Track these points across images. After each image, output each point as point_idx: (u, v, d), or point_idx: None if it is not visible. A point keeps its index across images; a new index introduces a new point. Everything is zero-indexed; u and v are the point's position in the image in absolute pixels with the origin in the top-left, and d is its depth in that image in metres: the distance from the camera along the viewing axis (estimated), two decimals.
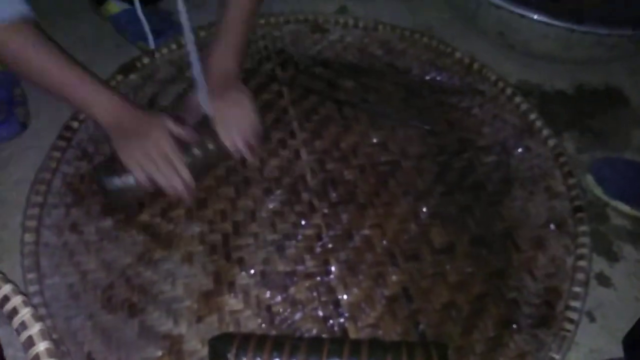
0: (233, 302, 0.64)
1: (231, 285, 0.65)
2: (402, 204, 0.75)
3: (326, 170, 0.78)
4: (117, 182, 0.66)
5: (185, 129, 0.69)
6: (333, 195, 0.75)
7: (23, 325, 0.46)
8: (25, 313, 0.46)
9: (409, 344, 0.58)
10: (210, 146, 0.71)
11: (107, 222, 0.69)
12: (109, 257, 0.66)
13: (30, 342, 0.45)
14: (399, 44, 0.96)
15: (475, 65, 0.92)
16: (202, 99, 0.72)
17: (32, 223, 0.65)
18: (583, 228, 0.71)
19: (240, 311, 0.63)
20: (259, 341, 0.56)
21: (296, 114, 0.85)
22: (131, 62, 0.87)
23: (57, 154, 0.72)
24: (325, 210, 0.73)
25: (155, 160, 0.66)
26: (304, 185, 0.76)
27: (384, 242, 0.71)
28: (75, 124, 0.75)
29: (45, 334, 0.45)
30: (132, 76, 0.86)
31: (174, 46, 0.90)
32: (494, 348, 0.62)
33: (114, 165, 0.67)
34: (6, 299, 0.47)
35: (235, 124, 0.72)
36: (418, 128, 0.84)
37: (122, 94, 0.71)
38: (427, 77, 0.92)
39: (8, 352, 0.54)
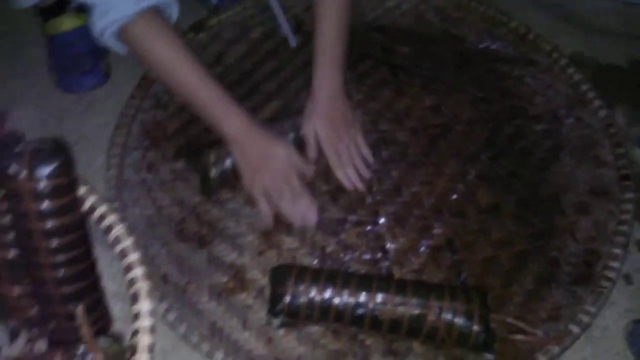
0: (290, 241, 0.70)
1: (289, 226, 0.72)
2: (451, 165, 0.78)
3: (379, 130, 0.82)
4: (214, 172, 0.71)
5: (306, 163, 0.73)
6: (385, 153, 0.80)
7: (117, 240, 0.53)
8: (119, 229, 0.54)
9: (452, 287, 0.63)
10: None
11: (180, 165, 0.77)
12: (181, 195, 0.74)
13: (123, 253, 0.53)
14: (455, 11, 0.98)
15: (530, 36, 0.93)
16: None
17: (115, 161, 0.73)
18: (629, 195, 0.73)
19: (296, 249, 0.70)
20: (315, 273, 0.62)
21: (351, 77, 0.89)
22: (200, 21, 0.93)
23: (135, 102, 0.79)
24: (377, 167, 0.78)
25: (282, 193, 0.68)
26: None
27: (432, 198, 0.75)
28: (143, 84, 0.82)
29: (136, 246, 0.53)
30: (201, 35, 0.92)
31: (237, 8, 0.95)
32: (531, 300, 0.66)
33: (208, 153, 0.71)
34: (102, 217, 0.55)
35: (348, 157, 0.75)
36: (470, 94, 0.87)
37: (249, 112, 0.70)
38: (482, 45, 0.94)
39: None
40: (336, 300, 0.60)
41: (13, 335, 0.61)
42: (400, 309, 0.59)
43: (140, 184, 0.74)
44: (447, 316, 0.59)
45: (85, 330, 0.43)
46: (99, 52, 0.85)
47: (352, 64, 0.91)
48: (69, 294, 0.54)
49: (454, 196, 0.75)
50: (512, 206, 0.75)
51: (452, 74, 0.90)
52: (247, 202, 0.74)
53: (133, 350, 0.47)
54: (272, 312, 0.61)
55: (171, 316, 0.61)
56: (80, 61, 0.83)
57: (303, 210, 0.70)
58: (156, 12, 0.67)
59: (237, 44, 0.93)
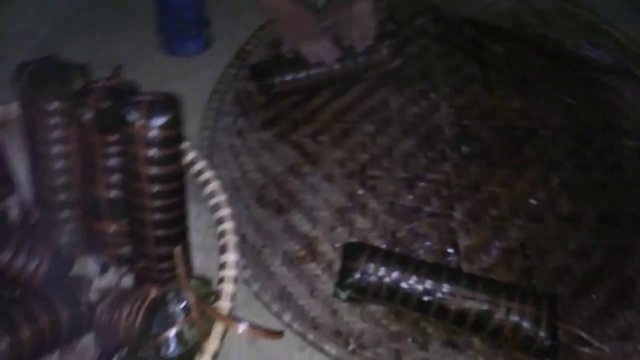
0: (362, 221, 0.72)
1: (363, 208, 0.74)
2: (534, 169, 0.77)
3: (463, 125, 0.82)
4: (276, 80, 0.81)
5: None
6: (466, 149, 0.80)
7: (212, 194, 0.57)
8: (215, 184, 0.58)
9: (523, 289, 0.62)
10: None
11: (267, 135, 0.80)
12: (266, 163, 0.78)
13: (216, 207, 0.57)
14: (555, 16, 0.95)
15: (633, 48, 0.89)
16: None
17: (209, 124, 0.78)
18: None
19: (368, 230, 0.72)
20: (386, 255, 0.63)
21: (441, 69, 0.89)
22: None
23: (232, 71, 0.84)
24: (457, 161, 0.78)
25: (305, 39, 0.81)
26: (439, 135, 0.81)
27: (510, 200, 0.74)
28: (249, 47, 0.86)
29: (228, 202, 0.57)
30: None
31: None
32: (602, 316, 0.65)
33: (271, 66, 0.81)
34: (200, 172, 0.59)
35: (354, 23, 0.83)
36: (561, 100, 0.85)
37: None
38: (580, 53, 0.91)
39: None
40: (405, 284, 0.61)
41: (103, 269, 0.67)
42: (468, 303, 0.60)
43: (229, 148, 0.78)
44: (515, 317, 0.59)
45: (181, 270, 0.47)
46: (203, 21, 0.90)
47: (443, 56, 0.91)
48: (161, 237, 0.58)
49: (533, 201, 0.74)
50: (593, 219, 0.73)
51: (545, 78, 0.88)
52: (326, 178, 0.76)
53: (217, 296, 0.50)
54: (341, 285, 0.63)
55: (247, 273, 0.65)
56: (187, 27, 0.88)
57: (320, 51, 0.82)
58: None
59: None
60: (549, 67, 0.90)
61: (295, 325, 0.61)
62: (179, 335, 0.45)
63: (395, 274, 0.62)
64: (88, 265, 0.67)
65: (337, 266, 0.68)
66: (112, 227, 0.61)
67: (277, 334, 0.46)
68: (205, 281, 0.50)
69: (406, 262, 0.63)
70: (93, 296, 0.62)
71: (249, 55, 0.85)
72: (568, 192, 0.75)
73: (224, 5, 0.98)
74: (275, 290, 0.65)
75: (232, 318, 0.46)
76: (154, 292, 0.46)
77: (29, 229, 0.63)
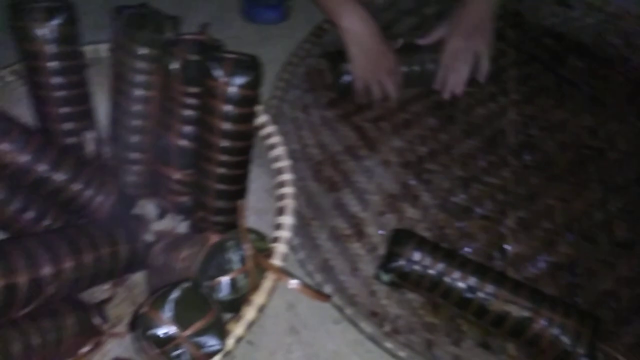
0: (412, 212, 0.73)
1: (415, 198, 0.74)
2: (594, 189, 0.76)
3: (528, 134, 0.81)
4: (346, 78, 0.80)
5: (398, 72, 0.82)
6: (528, 158, 0.79)
7: (277, 158, 0.60)
8: (281, 149, 0.60)
9: (567, 303, 0.62)
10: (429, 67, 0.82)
11: (330, 113, 0.82)
12: (325, 140, 0.79)
13: (280, 171, 0.59)
14: None
15: None
16: None
17: (278, 93, 0.80)
18: None
19: (416, 221, 0.72)
20: (434, 247, 0.64)
21: (514, 75, 0.88)
22: None
23: (307, 46, 0.85)
24: (516, 169, 0.77)
25: (381, 78, 0.79)
26: (502, 140, 0.80)
27: (565, 216, 0.73)
28: (325, 26, 0.87)
29: (291, 168, 0.59)
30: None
31: None
32: None
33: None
34: (269, 135, 0.61)
35: (464, 62, 0.80)
36: (634, 125, 0.82)
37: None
38: None
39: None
40: (448, 278, 0.62)
41: (162, 214, 0.71)
42: (510, 306, 0.60)
43: (292, 121, 0.80)
44: (555, 330, 0.59)
45: (242, 221, 0.49)
46: None
47: (517, 62, 0.90)
48: (222, 191, 0.61)
49: (589, 221, 0.73)
50: None
51: (621, 100, 0.85)
52: (382, 164, 0.77)
53: (270, 254, 0.52)
54: (384, 268, 0.64)
55: (294, 241, 0.67)
56: None
57: (388, 90, 0.81)
58: None
59: (410, 16, 0.95)
60: (626, 90, 0.87)
61: (335, 299, 0.62)
62: (232, 281, 0.47)
63: (440, 266, 0.62)
64: (148, 208, 0.71)
65: (381, 250, 0.69)
66: (177, 175, 0.65)
67: (326, 297, 0.48)
68: (262, 237, 0.52)
69: (452, 257, 0.63)
70: (149, 237, 0.65)
71: (324, 33, 0.86)
72: (626, 217, 0.73)
73: None
74: (319, 262, 0.67)
75: (286, 272, 0.48)
76: (214, 239, 0.49)
77: (101, 164, 0.67)
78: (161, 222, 0.70)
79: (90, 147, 0.64)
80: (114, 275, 0.60)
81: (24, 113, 0.62)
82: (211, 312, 0.41)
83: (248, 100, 0.57)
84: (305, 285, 0.47)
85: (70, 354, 0.57)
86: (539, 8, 0.97)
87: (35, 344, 0.51)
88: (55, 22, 0.58)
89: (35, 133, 0.58)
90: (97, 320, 0.60)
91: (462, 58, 0.80)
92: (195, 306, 0.41)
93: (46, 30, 0.57)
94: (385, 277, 0.64)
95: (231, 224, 0.60)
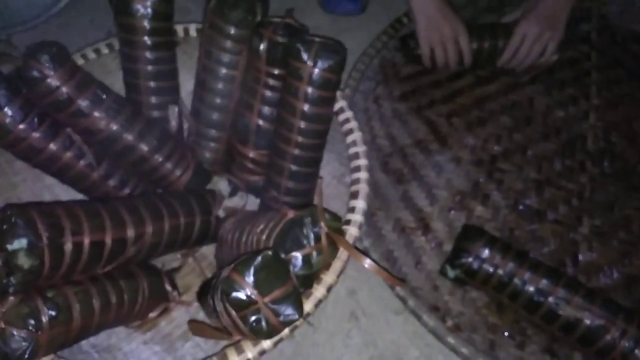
0: (482, 210, 0.71)
1: (485, 197, 0.73)
2: None
3: (609, 141, 0.78)
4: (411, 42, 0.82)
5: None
6: (607, 165, 0.75)
7: (354, 143, 0.60)
8: (357, 135, 0.60)
9: None
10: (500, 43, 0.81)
11: (402, 106, 0.81)
12: (395, 132, 0.79)
13: (356, 156, 0.59)
14: None
15: None
16: None
17: (352, 83, 0.80)
18: None
19: (486, 220, 0.71)
20: (505, 246, 0.62)
21: (597, 79, 0.84)
22: None
23: (384, 38, 0.85)
24: (595, 176, 0.74)
25: (444, 42, 0.79)
26: (581, 145, 0.77)
27: None
28: (405, 20, 0.87)
29: (366, 154, 0.59)
30: None
31: None
32: None
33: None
34: (347, 120, 0.62)
35: (531, 46, 0.79)
36: None
37: None
38: None
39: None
40: (517, 279, 0.60)
41: (233, 192, 0.73)
42: (582, 313, 0.57)
43: (364, 111, 0.80)
44: (629, 342, 0.56)
45: (319, 200, 0.50)
46: None
47: (601, 67, 0.86)
48: (295, 172, 0.62)
49: None
50: None
51: None
52: (453, 160, 0.76)
53: (342, 235, 0.53)
54: (451, 263, 0.63)
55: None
56: None
57: (450, 56, 0.81)
58: None
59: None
60: None
61: (398, 289, 0.62)
62: (305, 257, 0.48)
63: (510, 266, 0.60)
64: (220, 184, 0.73)
65: (446, 246, 0.69)
66: (253, 153, 0.66)
67: (401, 281, 0.47)
68: (337, 217, 0.52)
69: (523, 258, 0.61)
70: (220, 213, 0.67)
71: (402, 27, 0.86)
72: None
73: None
74: (383, 252, 0.67)
75: (361, 252, 0.48)
76: (291, 214, 0.50)
77: (182, 139, 0.70)
78: (231, 200, 0.72)
79: (173, 122, 0.67)
80: (186, 245, 0.62)
81: (115, 84, 0.66)
82: (290, 282, 0.42)
83: (331, 83, 0.58)
84: (381, 267, 0.47)
85: (141, 317, 0.60)
86: (627, 12, 0.93)
87: (113, 302, 0.54)
88: None
89: (126, 103, 0.61)
90: (167, 287, 0.62)
91: (530, 42, 0.79)
92: (275, 274, 0.42)
93: (145, 6, 0.61)
94: (451, 273, 0.63)
95: (300, 206, 0.61)
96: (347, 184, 0.66)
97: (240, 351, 0.46)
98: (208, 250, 0.69)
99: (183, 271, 0.67)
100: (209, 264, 0.68)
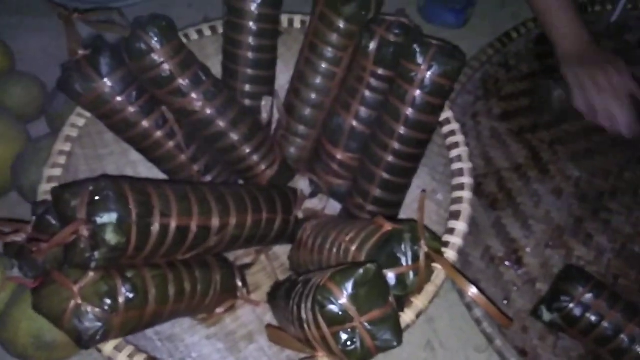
0: (583, 251, 0.64)
1: (588, 238, 0.65)
2: None
3: None
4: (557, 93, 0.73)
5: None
6: None
7: (458, 158, 0.55)
8: (462, 149, 0.55)
9: None
10: None
11: (502, 126, 0.75)
12: (492, 153, 0.73)
13: (459, 173, 0.54)
14: None
15: None
16: None
17: (452, 96, 0.75)
18: None
19: (587, 263, 0.63)
20: (613, 295, 0.55)
21: None
22: None
23: (490, 52, 0.79)
24: None
25: (601, 88, 0.68)
26: None
27: None
28: (514, 35, 0.81)
29: (471, 171, 0.54)
30: None
31: None
32: None
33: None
34: (452, 132, 0.57)
35: (613, 90, 0.68)
36: None
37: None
38: None
39: None
40: (625, 335, 0.53)
41: (313, 193, 0.69)
42: None
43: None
44: None
45: (421, 216, 0.46)
46: (472, 0, 0.87)
47: None
48: (387, 181, 0.58)
49: None
50: None
51: None
52: (554, 192, 0.69)
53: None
54: (548, 306, 0.56)
55: None
56: None
57: (617, 112, 0.68)
58: None
59: None
60: None
61: (485, 325, 0.56)
62: (400, 277, 0.44)
63: (617, 319, 0.53)
64: (301, 184, 0.70)
65: (539, 284, 0.62)
66: (342, 156, 0.63)
67: (509, 320, 0.42)
68: (436, 237, 0.48)
69: (634, 311, 0.54)
70: (299, 213, 0.64)
71: (510, 42, 0.80)
72: None
73: None
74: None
75: (466, 279, 0.43)
76: (388, 227, 0.46)
77: (271, 133, 0.67)
78: (310, 201, 0.69)
79: (265, 113, 0.64)
80: (263, 242, 0.59)
81: (212, 69, 0.64)
82: (389, 303, 0.38)
83: (443, 90, 0.53)
84: (487, 299, 0.42)
85: (209, 310, 0.57)
86: None
87: (187, 291, 0.51)
88: None
89: (223, 89, 0.59)
90: (237, 283, 0.60)
91: (606, 88, 0.69)
92: (376, 292, 0.38)
93: None
94: (547, 316, 0.57)
95: (389, 218, 0.56)
96: (438, 201, 0.62)
97: None
98: (281, 250, 0.66)
99: (254, 269, 0.65)
100: (281, 265, 0.65)
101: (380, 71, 0.57)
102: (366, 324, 0.37)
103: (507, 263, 0.64)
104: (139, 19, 0.54)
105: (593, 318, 0.54)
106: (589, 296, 0.55)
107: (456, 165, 0.55)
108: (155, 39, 0.53)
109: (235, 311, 0.61)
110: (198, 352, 0.57)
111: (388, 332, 0.37)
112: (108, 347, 0.45)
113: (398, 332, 0.38)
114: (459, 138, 0.56)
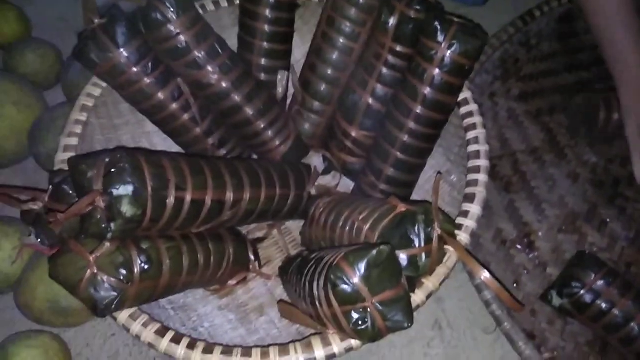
0: (596, 237, 0.64)
1: (602, 224, 0.65)
2: None
3: None
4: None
5: None
6: None
7: (475, 140, 0.54)
8: (480, 131, 0.54)
9: None
10: None
11: (520, 108, 0.74)
12: (508, 135, 0.72)
13: (476, 155, 0.53)
14: None
15: None
16: None
17: None
18: None
19: (599, 249, 0.63)
20: (626, 283, 0.55)
21: None
22: None
23: (511, 31, 0.76)
24: None
25: None
26: None
27: None
28: (537, 13, 0.78)
29: (487, 154, 0.53)
30: None
31: None
32: None
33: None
34: (470, 114, 0.56)
35: None
36: None
37: None
38: None
39: None
40: (636, 324, 0.53)
41: (326, 170, 0.69)
42: None
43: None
44: None
45: (435, 198, 0.46)
46: None
47: None
48: (402, 161, 0.57)
49: None
50: None
51: None
52: (569, 176, 0.69)
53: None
54: (559, 291, 0.56)
55: None
56: None
57: None
58: None
59: None
60: None
61: (494, 307, 0.56)
62: (412, 258, 0.44)
63: (628, 307, 0.53)
64: (314, 160, 0.70)
65: (550, 269, 0.62)
66: (356, 133, 0.62)
67: (521, 305, 0.42)
68: (450, 219, 0.48)
69: None
70: (312, 190, 0.64)
71: (533, 21, 0.78)
72: None
73: None
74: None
75: (479, 262, 0.43)
76: (402, 207, 0.45)
77: (285, 108, 0.67)
78: (323, 177, 0.69)
79: (280, 88, 0.64)
80: (276, 217, 0.60)
81: (227, 41, 0.63)
82: (401, 285, 0.38)
83: (463, 70, 0.52)
84: (499, 283, 0.42)
85: (221, 282, 0.58)
86: None
87: (200, 263, 0.52)
88: None
89: (239, 62, 0.59)
90: (250, 256, 0.60)
91: None
92: (389, 273, 0.38)
93: None
94: (557, 301, 0.57)
95: (402, 197, 0.56)
96: (451, 182, 0.61)
97: (326, 343, 0.43)
98: (294, 226, 0.67)
99: (266, 243, 0.65)
100: (293, 240, 0.66)
101: (398, 48, 0.56)
102: (378, 305, 0.37)
103: (518, 246, 0.64)
104: None
105: (604, 305, 0.54)
106: (600, 283, 0.55)
107: (473, 147, 0.54)
108: (172, 9, 0.52)
109: (247, 284, 0.62)
110: (210, 322, 0.58)
111: (399, 313, 0.37)
112: (123, 315, 0.46)
113: (409, 313, 0.38)
114: (477, 119, 0.55)
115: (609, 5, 0.61)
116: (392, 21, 0.55)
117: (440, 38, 0.51)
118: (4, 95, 0.68)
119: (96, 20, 0.53)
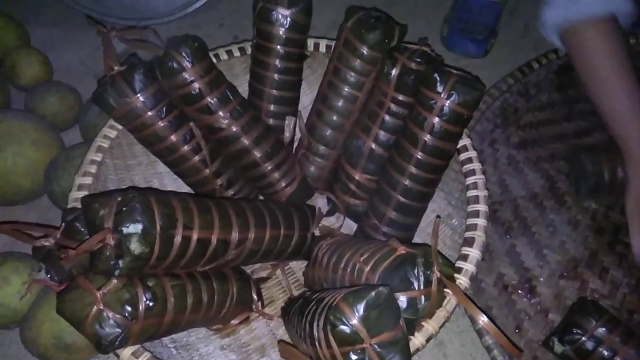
0: (598, 284, 0.64)
1: (603, 271, 0.65)
2: None
3: None
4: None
5: None
6: None
7: (474, 185, 0.56)
8: (479, 177, 0.56)
9: None
10: None
11: (520, 155, 0.76)
12: (509, 181, 0.74)
13: (474, 200, 0.55)
14: None
15: None
16: None
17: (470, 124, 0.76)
18: None
19: (601, 296, 0.63)
20: (627, 330, 0.55)
21: None
22: None
23: (510, 81, 0.79)
24: None
25: None
26: None
27: None
28: (535, 65, 0.81)
29: (486, 199, 0.55)
30: None
31: None
32: None
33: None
34: (469, 160, 0.58)
35: None
36: None
37: None
38: None
39: None
40: None
41: (330, 212, 0.71)
42: None
43: (477, 152, 0.76)
44: None
45: (436, 240, 0.47)
46: (494, 30, 0.89)
47: None
48: (403, 205, 0.59)
49: None
50: None
51: None
52: (569, 222, 0.70)
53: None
54: (560, 337, 0.57)
55: None
56: (477, 29, 0.87)
57: None
58: (612, 17, 0.62)
59: None
60: None
61: (495, 353, 0.56)
62: (411, 301, 0.44)
63: (630, 355, 0.53)
64: (318, 202, 0.71)
65: (552, 315, 0.62)
66: (360, 177, 0.64)
67: (519, 351, 0.43)
68: (450, 263, 0.49)
69: None
70: (315, 231, 0.65)
71: (531, 72, 0.81)
72: None
73: (514, 23, 0.96)
74: (481, 307, 0.62)
75: (477, 306, 0.44)
76: (402, 250, 0.47)
77: (292, 151, 0.69)
78: (327, 219, 0.70)
79: (287, 132, 0.66)
80: (279, 257, 0.61)
81: (239, 88, 0.67)
82: (400, 327, 0.39)
83: (462, 119, 0.54)
84: (498, 328, 0.42)
85: (224, 321, 0.59)
86: None
87: (204, 302, 0.53)
88: (294, 10, 0.61)
89: (249, 108, 0.62)
90: (253, 295, 0.61)
91: None
92: (387, 315, 0.39)
93: (284, 16, 0.61)
94: (558, 348, 0.57)
95: (402, 240, 0.57)
96: (452, 226, 0.63)
97: None
98: (297, 266, 0.68)
99: (269, 283, 0.66)
100: (296, 280, 0.67)
101: (400, 97, 0.59)
102: (376, 346, 0.38)
103: (520, 291, 0.64)
104: (172, 39, 0.57)
105: (605, 353, 0.54)
106: (602, 330, 0.55)
107: (472, 193, 0.56)
108: (187, 58, 0.56)
109: (250, 323, 0.62)
110: None
111: (397, 355, 0.38)
112: (126, 352, 0.47)
113: (407, 355, 0.39)
114: (476, 166, 0.57)
115: (609, 82, 0.62)
116: (394, 72, 0.58)
117: (439, 88, 0.53)
118: (23, 134, 0.72)
119: (116, 68, 0.57)
